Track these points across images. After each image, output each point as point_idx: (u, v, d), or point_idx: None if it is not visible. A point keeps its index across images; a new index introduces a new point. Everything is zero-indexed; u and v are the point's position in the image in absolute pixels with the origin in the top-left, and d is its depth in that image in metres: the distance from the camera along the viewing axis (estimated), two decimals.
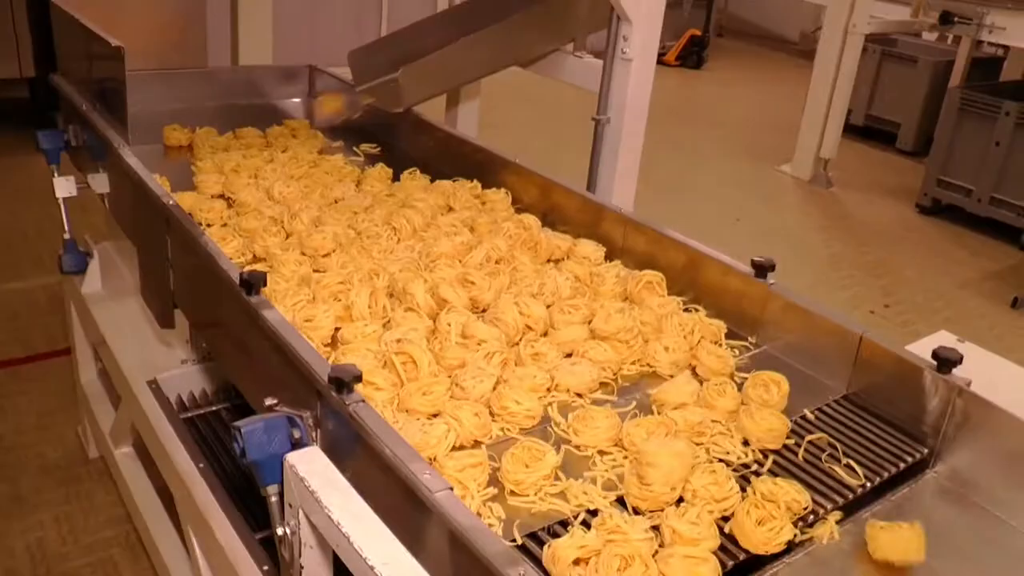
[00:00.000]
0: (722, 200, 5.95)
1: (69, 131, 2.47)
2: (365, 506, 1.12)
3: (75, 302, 2.64)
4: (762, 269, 1.71)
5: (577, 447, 1.36)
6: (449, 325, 1.59)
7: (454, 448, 1.29)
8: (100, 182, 2.32)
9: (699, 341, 1.66)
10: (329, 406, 1.20)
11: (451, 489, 1.04)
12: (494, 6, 2.61)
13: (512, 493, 1.23)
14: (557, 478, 1.27)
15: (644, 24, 2.26)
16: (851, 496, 1.32)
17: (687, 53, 9.94)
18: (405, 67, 2.46)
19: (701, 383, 1.52)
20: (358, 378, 1.19)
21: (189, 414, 2.12)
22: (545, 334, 1.66)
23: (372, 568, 1.02)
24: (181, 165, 2.38)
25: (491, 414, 1.39)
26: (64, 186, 2.48)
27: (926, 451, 1.43)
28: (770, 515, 1.19)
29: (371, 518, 1.10)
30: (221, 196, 2.17)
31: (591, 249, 1.98)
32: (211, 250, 1.60)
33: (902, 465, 1.39)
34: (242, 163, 2.34)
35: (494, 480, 1.25)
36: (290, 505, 1.21)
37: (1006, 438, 1.33)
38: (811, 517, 1.26)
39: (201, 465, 1.83)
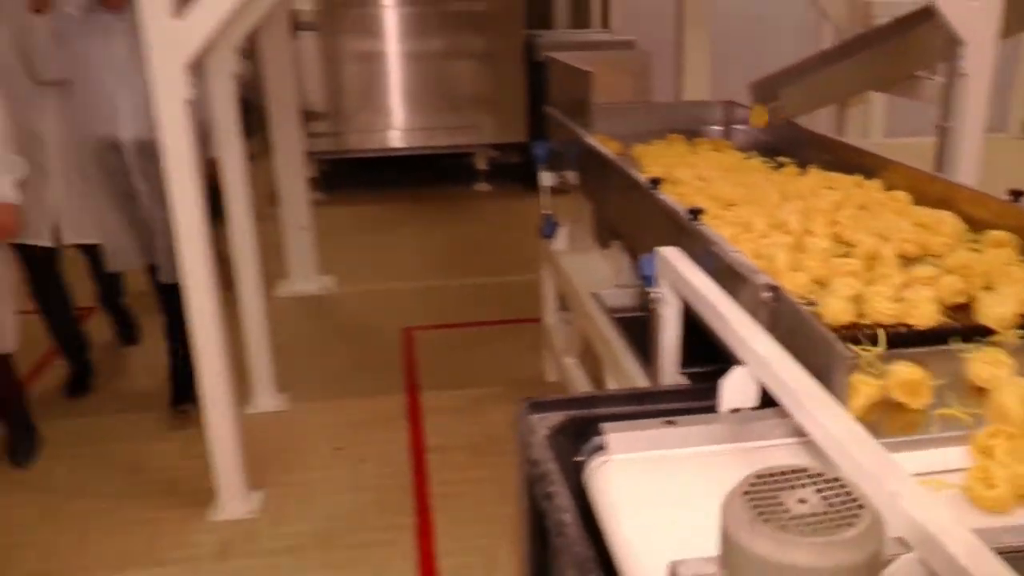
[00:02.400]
0: None
1: (552, 141, 3.64)
2: (706, 279, 1.93)
3: (547, 257, 3.77)
4: None
5: None
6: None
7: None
8: (571, 175, 3.43)
9: None
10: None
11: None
12: (862, 41, 3.33)
13: None
14: None
15: (977, 44, 2.85)
16: None
17: None
18: (786, 89, 3.28)
19: None
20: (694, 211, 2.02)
21: (616, 315, 3.08)
22: None
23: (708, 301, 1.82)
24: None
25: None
26: (547, 178, 3.65)
27: None
28: None
29: (711, 286, 1.90)
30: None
31: None
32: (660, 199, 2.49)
33: None
34: (677, 155, 3.24)
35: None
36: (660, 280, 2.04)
37: None
38: None
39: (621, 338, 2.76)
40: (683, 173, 2.87)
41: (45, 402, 3.96)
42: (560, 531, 1.49)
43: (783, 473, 0.92)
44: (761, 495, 0.88)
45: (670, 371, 2.10)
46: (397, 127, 7.33)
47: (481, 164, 7.47)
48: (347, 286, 5.33)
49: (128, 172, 3.56)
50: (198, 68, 2.85)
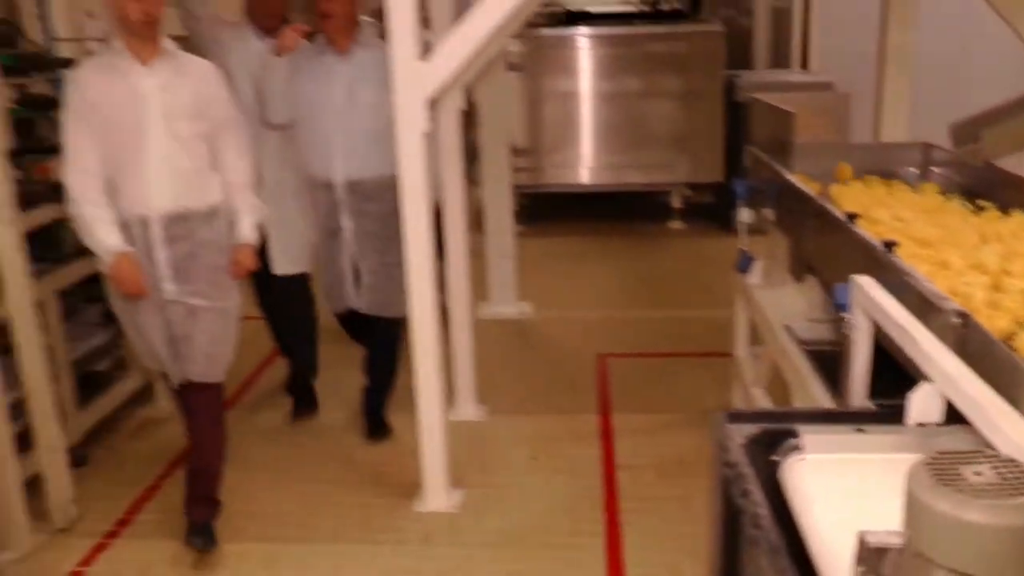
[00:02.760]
0: None
1: (751, 179, 3.78)
2: (897, 304, 2.04)
3: (742, 291, 3.90)
4: None
5: None
6: None
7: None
8: (769, 212, 3.56)
9: None
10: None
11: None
12: None
13: None
14: None
15: None
16: None
17: None
18: (989, 130, 3.29)
19: None
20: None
21: (808, 348, 3.18)
22: None
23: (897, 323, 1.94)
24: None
25: None
26: (746, 214, 3.79)
27: None
28: None
29: (902, 310, 2.02)
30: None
31: None
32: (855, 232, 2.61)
33: None
34: (874, 196, 3.33)
35: None
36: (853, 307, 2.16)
37: None
38: None
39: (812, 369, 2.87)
40: (880, 213, 2.94)
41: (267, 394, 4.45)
42: (756, 523, 1.66)
43: (963, 452, 1.07)
44: (942, 467, 1.04)
45: (859, 397, 2.21)
46: (594, 164, 7.62)
47: (676, 202, 7.63)
48: (543, 312, 5.62)
49: (337, 210, 3.75)
50: (433, 104, 3.21)
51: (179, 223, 3.06)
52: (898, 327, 1.83)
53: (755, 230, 3.79)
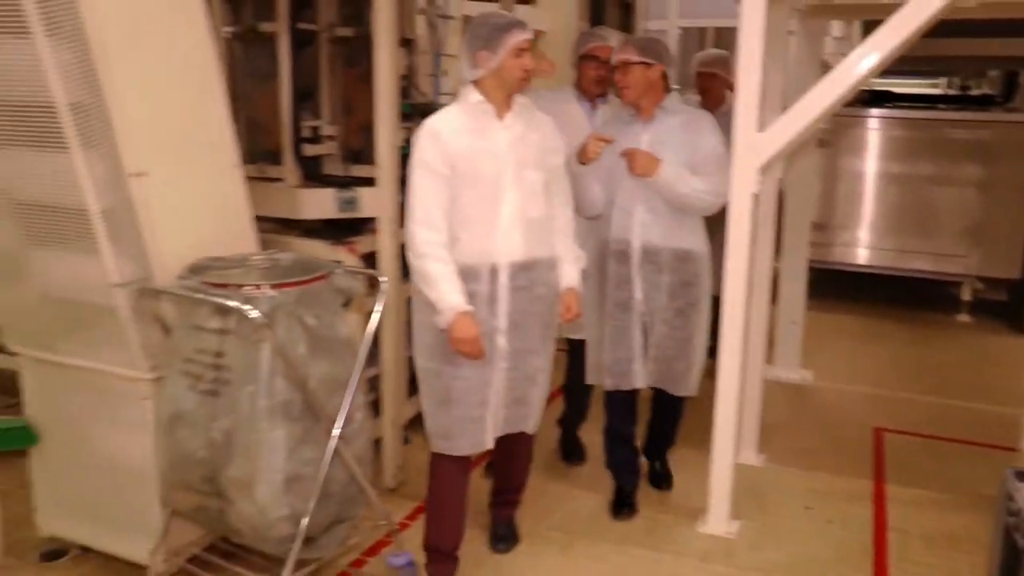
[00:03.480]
0: None
1: None
2: None
3: None
4: None
5: None
6: None
7: None
8: None
9: None
10: None
11: None
12: None
13: None
14: None
15: None
16: None
17: None
18: None
19: None
20: None
21: None
22: None
23: None
24: None
25: None
26: None
27: None
28: None
29: None
30: None
31: None
32: None
33: None
34: None
35: None
36: None
37: None
38: None
39: None
40: None
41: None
42: None
43: None
44: None
45: None
46: (883, 246, 7.73)
47: (965, 295, 7.57)
48: (823, 381, 5.91)
49: (630, 280, 3.74)
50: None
51: (524, 273, 3.17)
52: None
53: None
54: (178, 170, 3.11)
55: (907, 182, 7.60)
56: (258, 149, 4.15)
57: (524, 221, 3.13)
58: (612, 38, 4.15)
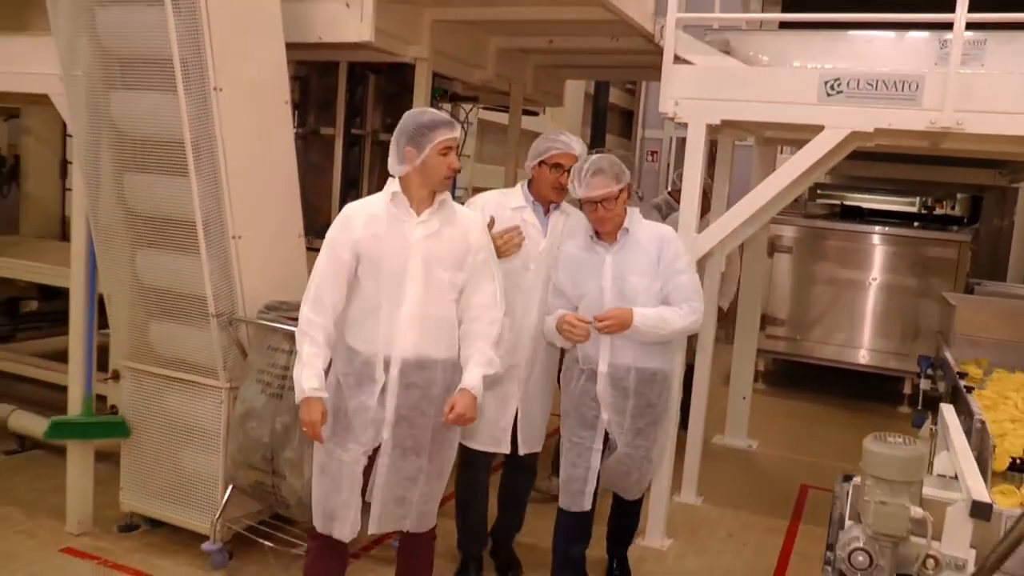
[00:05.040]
0: None
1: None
2: None
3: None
4: None
5: None
6: None
7: None
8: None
9: None
10: None
11: None
12: None
13: None
14: None
15: None
16: None
17: None
18: None
19: None
20: None
21: None
22: None
23: None
24: None
25: None
26: (925, 383, 5.03)
27: None
28: None
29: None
30: None
31: None
32: None
33: None
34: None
35: None
36: None
37: None
38: None
39: None
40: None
41: None
42: None
43: None
44: None
45: None
46: (837, 342, 8.73)
47: (906, 388, 8.55)
48: (766, 449, 6.93)
49: (597, 399, 3.73)
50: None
51: (417, 371, 3.12)
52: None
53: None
54: (260, 234, 4.23)
55: (860, 288, 8.65)
56: (313, 225, 5.29)
57: (422, 319, 3.11)
58: (575, 144, 3.90)
